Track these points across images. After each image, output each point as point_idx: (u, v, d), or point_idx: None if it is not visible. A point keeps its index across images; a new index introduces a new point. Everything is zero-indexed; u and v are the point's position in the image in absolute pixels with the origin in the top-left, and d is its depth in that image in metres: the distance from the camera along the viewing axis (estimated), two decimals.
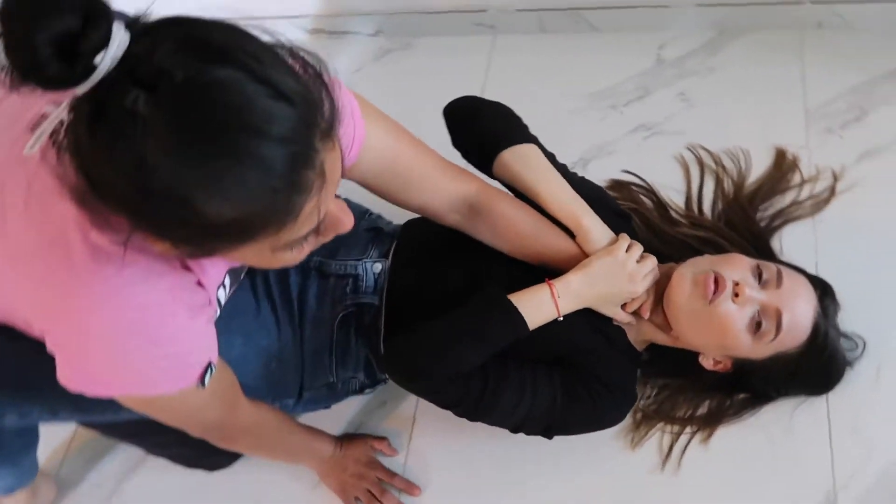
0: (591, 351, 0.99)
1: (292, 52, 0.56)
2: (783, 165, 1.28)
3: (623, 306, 0.99)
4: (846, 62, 1.39)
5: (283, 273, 1.07)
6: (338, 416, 1.16)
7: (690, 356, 1.03)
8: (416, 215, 1.11)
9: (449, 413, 1.12)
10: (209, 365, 0.74)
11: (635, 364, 1.05)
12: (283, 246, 0.60)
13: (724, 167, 1.30)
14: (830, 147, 1.29)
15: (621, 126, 1.41)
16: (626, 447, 1.07)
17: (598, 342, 1.00)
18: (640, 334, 1.04)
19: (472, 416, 0.96)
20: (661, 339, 1.04)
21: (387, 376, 1.09)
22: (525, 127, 1.06)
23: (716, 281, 0.93)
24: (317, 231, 0.61)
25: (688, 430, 1.07)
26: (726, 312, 0.93)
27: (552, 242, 0.99)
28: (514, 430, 0.98)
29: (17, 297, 0.70)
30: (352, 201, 1.20)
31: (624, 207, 1.18)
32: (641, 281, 0.96)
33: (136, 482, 1.18)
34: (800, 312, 0.94)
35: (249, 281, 1.05)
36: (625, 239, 0.97)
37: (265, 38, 0.55)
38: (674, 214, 1.25)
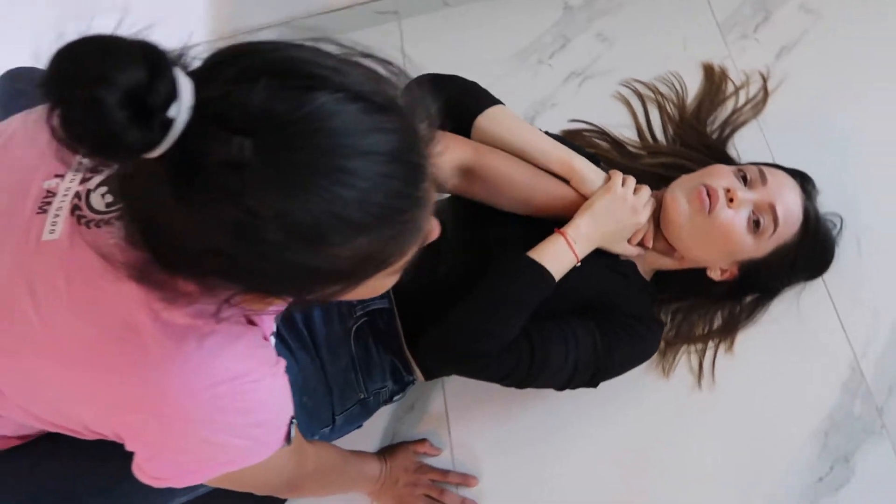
0: (611, 291, 1.00)
1: (365, 56, 0.51)
2: (714, 78, 1.33)
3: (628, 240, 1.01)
4: None
5: None
6: (371, 434, 1.12)
7: (696, 274, 1.06)
8: None
9: (479, 395, 1.11)
10: (291, 420, 0.69)
11: (649, 294, 1.07)
12: (398, 269, 0.55)
13: (661, 94, 1.34)
14: (750, 51, 1.36)
15: (554, 78, 1.42)
16: (661, 377, 1.10)
17: (615, 281, 1.01)
18: (647, 264, 1.06)
19: (525, 382, 0.94)
20: (667, 263, 1.06)
21: (413, 377, 1.06)
22: (486, 91, 1.05)
23: (708, 193, 0.96)
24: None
25: (710, 344, 1.10)
26: (726, 219, 0.96)
27: (549, 189, 0.99)
28: (562, 387, 0.97)
29: (73, 401, 0.62)
30: None
31: None
32: (643, 210, 0.98)
33: None
34: (790, 202, 0.98)
35: None
36: (617, 174, 0.98)
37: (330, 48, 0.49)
38: (632, 149, 1.28)
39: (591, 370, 0.95)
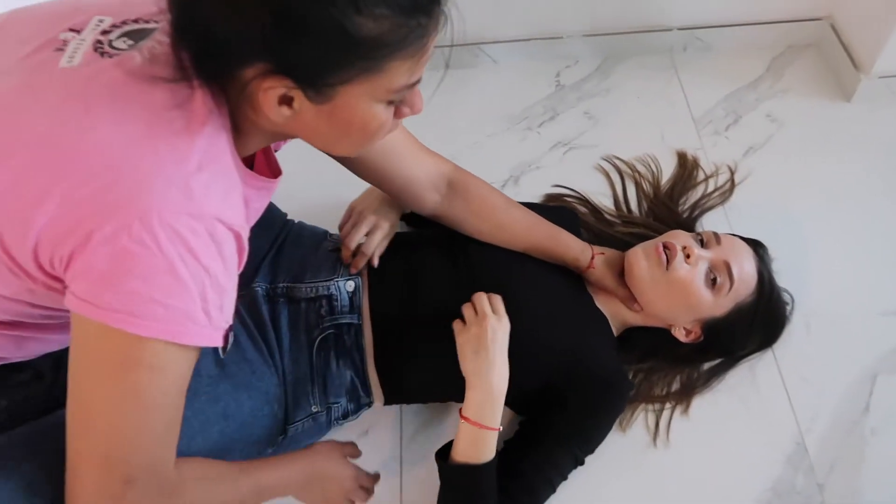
0: (583, 347, 1.02)
1: None
2: (687, 165, 1.44)
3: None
4: (714, 77, 1.61)
5: (254, 305, 1.02)
6: None
7: (663, 335, 1.11)
8: None
9: (434, 429, 1.12)
10: (230, 330, 0.66)
11: (618, 351, 1.10)
12: (392, 91, 0.63)
13: (639, 172, 1.43)
14: (720, 147, 1.48)
15: (540, 144, 1.50)
16: (618, 431, 1.12)
17: (587, 336, 1.04)
18: (617, 320, 1.11)
19: None
20: (633, 318, 1.11)
21: (370, 399, 1.05)
22: None
23: (667, 248, 1.03)
24: (402, 102, 0.68)
25: (667, 405, 1.14)
26: (684, 273, 1.02)
27: (522, 218, 1.08)
28: None
29: (51, 198, 0.58)
30: (307, 224, 1.18)
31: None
32: (503, 318, 0.95)
33: None
34: (744, 261, 1.05)
35: None
36: (457, 323, 0.97)
37: None
38: (608, 216, 1.35)
39: (575, 468, 1.00)
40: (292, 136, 0.73)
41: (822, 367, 1.17)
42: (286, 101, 0.61)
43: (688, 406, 1.14)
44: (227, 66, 0.60)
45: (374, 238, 1.06)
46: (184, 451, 0.82)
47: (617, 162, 1.45)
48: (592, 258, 1.09)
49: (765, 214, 1.36)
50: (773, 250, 1.19)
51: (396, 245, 1.10)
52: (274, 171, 0.82)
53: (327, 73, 0.59)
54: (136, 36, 0.66)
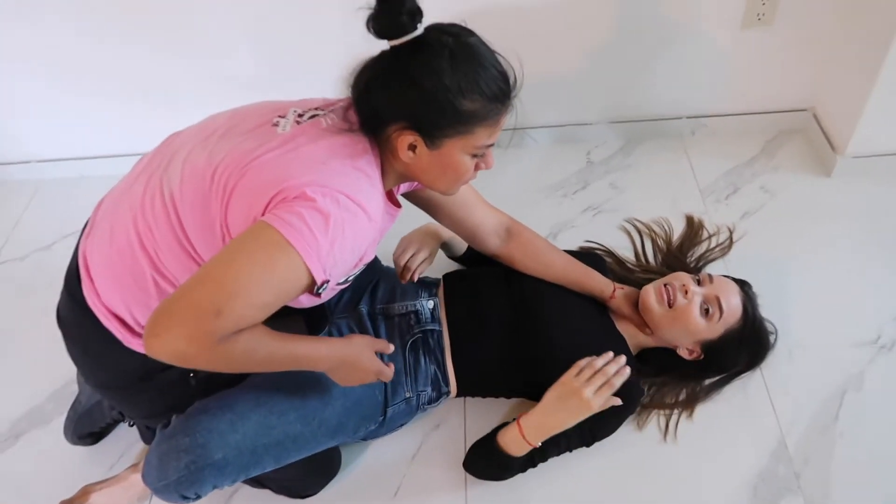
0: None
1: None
2: (694, 226, 1.78)
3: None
4: (717, 156, 1.96)
5: (360, 320, 1.37)
6: (401, 447, 1.42)
7: (671, 355, 1.42)
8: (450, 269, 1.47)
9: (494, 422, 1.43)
10: (325, 282, 0.95)
11: (634, 366, 1.41)
12: (477, 148, 0.99)
13: (654, 231, 1.77)
14: (721, 212, 1.82)
15: (573, 209, 1.86)
16: (635, 429, 1.42)
17: (613, 350, 1.36)
18: (634, 341, 1.43)
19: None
20: (646, 341, 1.43)
21: (448, 389, 1.38)
22: None
23: (671, 289, 1.36)
24: (483, 157, 1.02)
25: (675, 411, 1.44)
26: (683, 306, 1.35)
27: (561, 258, 1.44)
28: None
29: (288, 170, 0.95)
30: (393, 267, 1.54)
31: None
32: (595, 399, 1.21)
33: None
34: (731, 296, 1.37)
35: (340, 335, 1.34)
36: (576, 366, 1.25)
37: None
38: (629, 265, 1.69)
39: (582, 444, 1.32)
40: (412, 179, 1.09)
41: (802, 385, 1.46)
42: (412, 147, 0.98)
43: (692, 412, 1.44)
44: (381, 125, 0.99)
45: (417, 258, 1.39)
46: (319, 413, 1.19)
47: (636, 223, 1.80)
48: (614, 291, 1.43)
49: (757, 266, 1.67)
50: (763, 294, 1.51)
51: (465, 275, 1.46)
52: (396, 205, 1.18)
53: (440, 130, 0.96)
54: (318, 115, 1.05)
